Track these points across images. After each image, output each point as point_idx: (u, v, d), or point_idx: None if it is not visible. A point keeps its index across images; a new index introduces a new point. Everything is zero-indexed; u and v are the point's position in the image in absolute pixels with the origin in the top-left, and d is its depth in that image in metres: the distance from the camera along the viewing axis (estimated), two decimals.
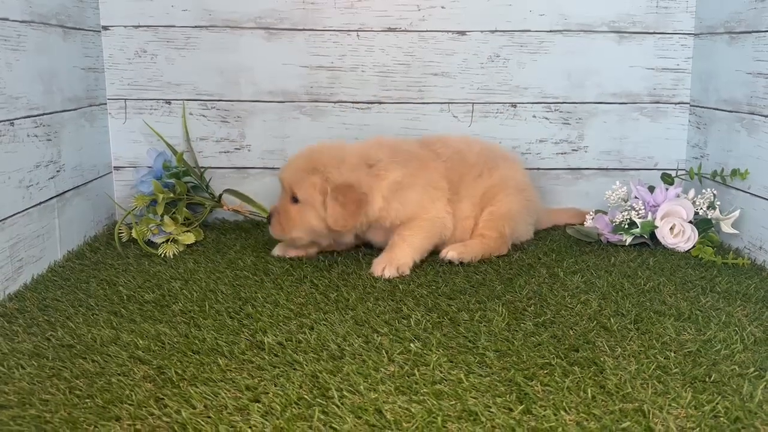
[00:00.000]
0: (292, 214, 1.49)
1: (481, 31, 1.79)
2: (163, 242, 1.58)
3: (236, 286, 1.37)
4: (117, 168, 1.83)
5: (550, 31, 1.80)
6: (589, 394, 0.94)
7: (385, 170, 1.51)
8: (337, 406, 0.91)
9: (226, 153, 1.84)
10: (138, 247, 1.58)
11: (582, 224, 1.73)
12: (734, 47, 1.62)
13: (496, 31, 1.79)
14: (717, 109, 1.70)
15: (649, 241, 1.64)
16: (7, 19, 1.31)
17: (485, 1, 1.78)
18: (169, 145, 1.78)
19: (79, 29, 1.63)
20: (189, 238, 1.61)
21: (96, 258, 1.54)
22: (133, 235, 1.59)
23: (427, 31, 1.79)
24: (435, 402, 0.92)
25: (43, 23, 1.45)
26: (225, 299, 1.30)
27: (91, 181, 1.69)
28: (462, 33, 1.79)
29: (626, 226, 1.64)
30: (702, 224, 1.63)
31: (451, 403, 0.92)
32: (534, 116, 1.84)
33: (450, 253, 1.51)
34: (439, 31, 1.79)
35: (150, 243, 1.59)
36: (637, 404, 0.92)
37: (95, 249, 1.60)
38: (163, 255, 1.55)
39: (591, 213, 1.74)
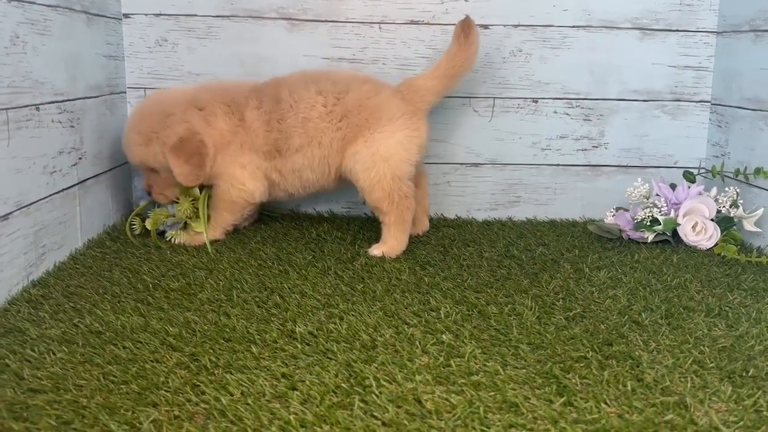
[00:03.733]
0: (161, 181, 1.57)
1: (504, 26, 1.79)
2: (173, 230, 1.58)
3: (261, 276, 1.36)
4: None
5: (573, 27, 1.79)
6: (629, 387, 0.93)
7: (213, 116, 1.53)
8: (376, 395, 0.90)
9: None
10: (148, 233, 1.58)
11: (602, 220, 1.73)
12: (759, 45, 1.62)
13: (519, 25, 1.79)
14: (739, 108, 1.70)
15: (671, 239, 1.64)
16: (34, 3, 1.30)
17: None
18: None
19: (102, 16, 1.62)
20: (200, 226, 1.57)
21: (116, 247, 1.53)
22: (147, 226, 1.57)
23: (449, 24, 1.78)
24: (474, 393, 0.91)
25: (68, 8, 1.44)
26: (251, 289, 1.29)
27: (111, 169, 1.68)
28: (485, 27, 1.78)
29: (648, 224, 1.63)
30: (724, 222, 1.63)
31: (491, 394, 0.91)
32: (555, 112, 1.84)
33: (374, 252, 1.51)
34: None
35: (161, 234, 1.59)
36: (677, 397, 0.91)
37: (115, 238, 1.59)
38: (171, 240, 1.56)
39: (612, 210, 1.74)
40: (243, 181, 1.54)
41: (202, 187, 1.62)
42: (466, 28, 1.57)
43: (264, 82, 1.61)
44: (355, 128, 1.51)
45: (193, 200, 1.59)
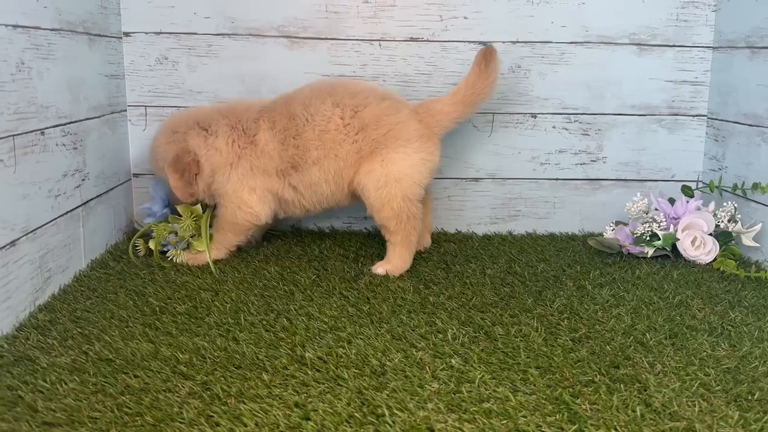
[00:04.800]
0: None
1: (503, 42, 1.80)
2: (175, 249, 1.58)
3: (266, 298, 1.37)
4: (136, 175, 1.82)
5: (572, 43, 1.81)
6: (638, 413, 0.95)
7: (214, 136, 1.56)
8: (389, 425, 0.91)
9: None
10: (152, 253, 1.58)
11: (602, 235, 1.75)
12: (755, 62, 1.64)
13: (518, 41, 1.80)
14: (736, 123, 1.72)
15: (670, 254, 1.66)
16: (39, 28, 1.30)
17: (507, 12, 1.78)
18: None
19: (103, 36, 1.62)
20: (202, 245, 1.58)
21: (120, 267, 1.53)
22: (150, 246, 1.58)
23: (449, 41, 1.80)
24: (486, 421, 0.92)
25: (71, 31, 1.44)
26: (258, 311, 1.30)
27: (113, 188, 1.68)
28: (484, 43, 1.79)
29: (648, 238, 1.65)
30: (722, 237, 1.65)
31: (503, 422, 0.92)
32: (554, 127, 1.85)
33: (377, 270, 1.52)
34: (461, 42, 1.80)
35: (163, 253, 1.60)
36: (686, 423, 0.93)
37: (118, 258, 1.59)
38: (173, 260, 1.57)
39: (611, 224, 1.75)
40: (250, 204, 1.55)
41: (205, 206, 1.62)
42: (487, 56, 1.57)
43: (272, 100, 1.61)
44: (371, 142, 1.51)
45: (195, 217, 1.60)
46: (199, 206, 1.61)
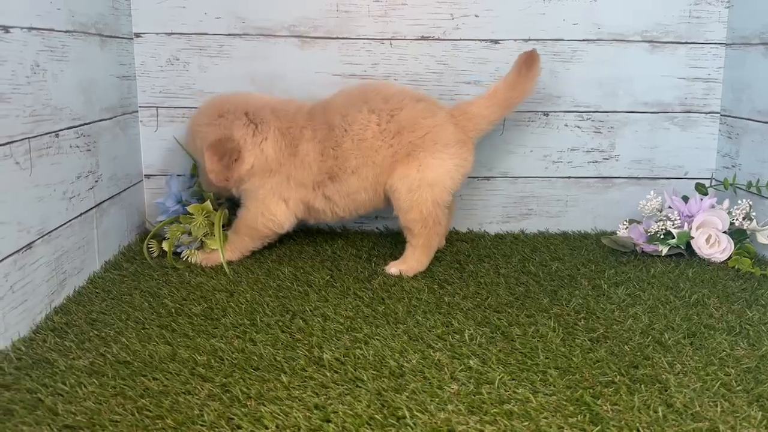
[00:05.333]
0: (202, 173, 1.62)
1: (515, 40, 1.79)
2: (189, 249, 1.58)
3: (281, 298, 1.37)
4: (148, 176, 1.82)
5: (584, 40, 1.80)
6: (660, 413, 0.94)
7: (264, 138, 1.53)
8: (411, 427, 0.91)
9: None
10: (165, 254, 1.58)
11: (615, 233, 1.74)
12: None
13: (530, 39, 1.79)
14: (750, 120, 1.71)
15: (684, 252, 1.65)
16: (53, 30, 1.30)
17: (519, 10, 1.78)
18: (193, 157, 1.76)
19: (115, 37, 1.62)
20: (215, 243, 1.57)
21: (133, 268, 1.53)
22: (164, 247, 1.57)
23: (460, 39, 1.79)
24: (507, 423, 0.92)
25: (83, 32, 1.44)
26: (273, 312, 1.30)
27: (125, 190, 1.68)
28: (495, 42, 1.79)
29: (662, 237, 1.64)
30: (737, 235, 1.64)
31: (524, 423, 0.92)
32: (566, 125, 1.85)
33: (391, 270, 1.52)
34: (472, 40, 1.79)
35: (177, 255, 1.59)
36: (708, 423, 0.92)
37: (131, 259, 1.59)
38: (187, 260, 1.56)
39: (624, 222, 1.75)
40: (275, 213, 1.54)
41: (216, 206, 1.62)
42: (529, 61, 1.57)
43: (313, 105, 1.58)
44: (407, 145, 1.50)
45: (207, 214, 1.59)
46: (209, 203, 1.60)
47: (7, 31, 1.14)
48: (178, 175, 1.74)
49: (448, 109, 1.58)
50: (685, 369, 1.07)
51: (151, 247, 1.60)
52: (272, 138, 1.53)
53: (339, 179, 1.52)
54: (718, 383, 1.02)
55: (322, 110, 1.55)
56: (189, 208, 1.59)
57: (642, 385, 1.02)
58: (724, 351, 1.14)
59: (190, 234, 1.59)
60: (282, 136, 1.53)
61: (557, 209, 1.89)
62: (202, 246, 1.60)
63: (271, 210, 1.54)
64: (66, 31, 1.36)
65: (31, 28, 1.22)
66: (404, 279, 1.48)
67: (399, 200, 1.50)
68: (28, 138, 1.21)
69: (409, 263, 1.52)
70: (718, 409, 0.96)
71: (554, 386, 1.02)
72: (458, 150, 1.52)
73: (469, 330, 1.22)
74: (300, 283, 1.45)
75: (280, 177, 1.53)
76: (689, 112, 1.85)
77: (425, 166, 1.49)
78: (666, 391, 1.01)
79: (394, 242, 1.74)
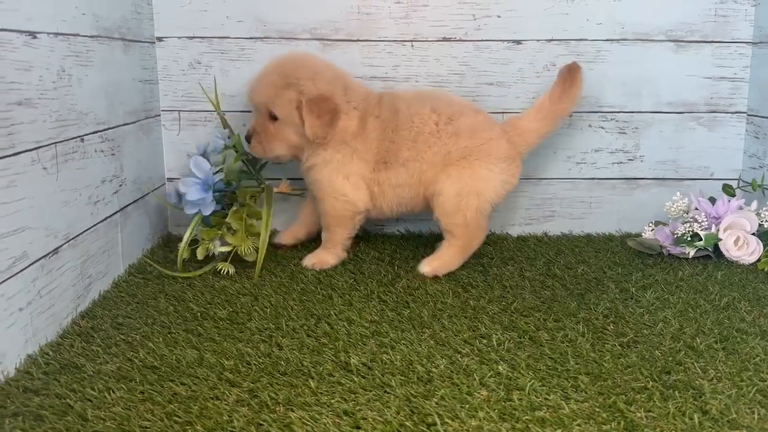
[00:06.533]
0: (272, 132, 1.55)
1: (537, 40, 1.78)
2: (222, 259, 1.53)
3: (305, 302, 1.36)
4: (170, 179, 1.82)
5: (607, 40, 1.78)
6: (696, 420, 0.92)
7: (350, 109, 1.54)
8: None
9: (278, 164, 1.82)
10: (198, 260, 1.55)
11: (641, 235, 1.72)
12: None
13: (553, 40, 1.78)
14: None
15: (711, 254, 1.62)
16: (78, 35, 1.31)
17: (542, 10, 1.76)
18: (224, 120, 1.71)
19: (137, 41, 1.62)
20: (236, 239, 1.51)
21: (157, 272, 1.53)
22: (198, 255, 1.51)
23: (482, 40, 1.77)
24: (540, 430, 0.91)
25: (108, 37, 1.44)
26: (298, 316, 1.29)
27: (148, 193, 1.69)
28: (518, 42, 1.78)
29: (689, 239, 1.62)
30: (766, 237, 1.61)
31: (558, 431, 0.90)
32: (590, 126, 1.83)
33: (424, 269, 1.51)
34: (494, 41, 1.78)
35: (203, 261, 1.54)
36: (746, 431, 0.90)
37: (155, 262, 1.59)
38: (223, 272, 1.50)
39: (650, 224, 1.72)
40: (344, 192, 1.55)
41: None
42: (573, 72, 1.59)
43: (380, 91, 1.64)
44: (462, 150, 1.53)
45: (249, 224, 1.54)
46: (242, 209, 1.55)
47: (35, 37, 1.15)
48: (202, 155, 1.58)
49: (501, 124, 1.61)
50: (719, 374, 1.05)
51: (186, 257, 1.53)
52: (354, 114, 1.55)
53: (390, 167, 1.55)
54: (754, 389, 1.00)
55: (389, 96, 1.60)
56: (229, 220, 1.53)
57: (675, 391, 1.00)
58: (758, 356, 1.12)
59: (225, 243, 1.52)
60: (359, 114, 1.56)
61: (581, 211, 1.87)
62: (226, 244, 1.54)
63: (338, 189, 1.55)
64: (91, 36, 1.36)
65: (57, 34, 1.22)
66: (428, 283, 1.47)
67: (445, 202, 1.52)
68: (55, 143, 1.21)
69: (444, 259, 1.53)
70: (755, 416, 0.94)
71: (586, 392, 1.00)
72: (508, 166, 1.55)
73: (497, 335, 1.20)
74: (323, 287, 1.45)
75: (347, 151, 1.54)
76: (715, 112, 1.83)
77: (477, 175, 1.52)
78: (701, 397, 0.99)
79: (416, 245, 1.73)
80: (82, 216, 1.32)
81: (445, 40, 1.78)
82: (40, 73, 1.16)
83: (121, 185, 1.51)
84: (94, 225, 1.37)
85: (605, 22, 1.77)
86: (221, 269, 1.51)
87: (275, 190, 1.70)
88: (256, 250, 1.52)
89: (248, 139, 1.58)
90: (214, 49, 1.76)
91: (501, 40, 1.78)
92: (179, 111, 1.79)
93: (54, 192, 1.21)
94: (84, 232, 1.33)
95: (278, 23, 1.75)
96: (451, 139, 1.53)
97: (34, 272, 1.14)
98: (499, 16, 1.76)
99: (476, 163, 1.53)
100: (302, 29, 1.76)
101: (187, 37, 1.75)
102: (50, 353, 1.13)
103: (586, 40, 1.78)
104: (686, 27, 1.78)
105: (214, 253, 1.54)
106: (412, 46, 1.78)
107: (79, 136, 1.31)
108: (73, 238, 1.28)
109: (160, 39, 1.75)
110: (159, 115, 1.78)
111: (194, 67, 1.77)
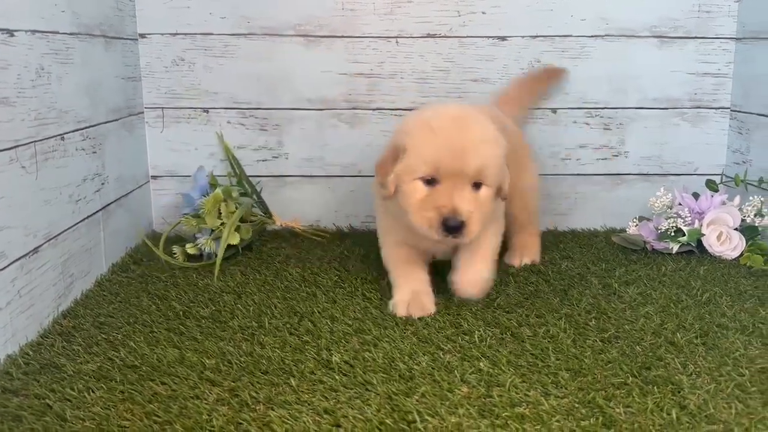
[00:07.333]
0: (482, 205, 1.23)
1: (522, 37, 1.78)
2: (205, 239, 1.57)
3: (289, 300, 1.36)
4: (154, 177, 1.81)
5: (592, 36, 1.78)
6: (674, 416, 0.93)
7: None
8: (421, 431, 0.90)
9: (264, 161, 1.82)
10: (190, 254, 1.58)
11: (625, 231, 1.72)
12: None
13: (537, 36, 1.78)
14: (761, 115, 1.69)
15: (695, 249, 1.63)
16: (57, 32, 1.30)
17: (526, 7, 1.76)
18: (230, 152, 1.78)
19: (119, 38, 1.61)
20: (235, 238, 1.56)
21: (141, 270, 1.53)
22: (188, 251, 1.57)
23: (467, 36, 1.77)
24: (519, 426, 0.91)
25: (88, 34, 1.43)
26: (281, 314, 1.29)
27: (131, 191, 1.68)
28: (502, 38, 1.78)
29: (672, 234, 1.63)
30: (748, 232, 1.62)
31: (536, 427, 0.91)
32: (574, 122, 1.83)
33: (524, 260, 1.58)
34: (479, 37, 1.77)
35: (191, 258, 1.58)
36: (723, 426, 0.91)
37: (138, 261, 1.59)
38: (202, 248, 1.56)
39: (634, 220, 1.73)
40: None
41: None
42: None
43: None
44: (521, 156, 1.56)
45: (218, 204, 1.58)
46: (219, 193, 1.60)
47: (12, 35, 1.14)
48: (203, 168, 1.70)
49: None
50: (698, 370, 1.06)
51: (176, 254, 1.58)
52: None
53: None
54: (733, 384, 1.01)
55: None
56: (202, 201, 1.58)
57: (655, 387, 1.01)
58: (737, 351, 1.12)
59: (210, 231, 1.57)
60: None
61: (566, 207, 1.88)
62: (211, 233, 1.57)
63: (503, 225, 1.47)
64: (70, 34, 1.35)
65: (35, 31, 1.21)
66: None
67: (525, 197, 1.58)
68: (34, 142, 1.20)
69: (532, 250, 1.61)
70: (733, 411, 0.94)
71: (566, 388, 1.01)
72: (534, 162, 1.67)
73: (479, 331, 1.20)
74: (308, 285, 1.44)
75: None
76: (699, 107, 1.83)
77: (532, 176, 1.63)
78: (679, 392, 0.99)
79: None
80: (63, 215, 1.31)
81: (429, 36, 1.78)
82: (18, 72, 1.15)
83: (103, 183, 1.50)
84: (76, 224, 1.37)
85: (589, 19, 1.77)
86: (203, 246, 1.56)
87: (283, 224, 1.77)
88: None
89: (446, 223, 1.21)
90: (198, 46, 1.75)
91: (486, 37, 1.77)
92: (163, 108, 1.78)
93: (33, 191, 1.20)
94: (65, 230, 1.32)
95: (262, 19, 1.75)
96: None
97: (14, 272, 1.13)
98: (483, 13, 1.76)
99: (531, 165, 1.64)
100: (286, 26, 1.75)
101: (170, 34, 1.74)
102: (30, 353, 1.13)
103: (570, 36, 1.78)
104: (670, 23, 1.78)
105: (205, 250, 1.58)
106: (397, 42, 1.78)
107: (59, 135, 1.30)
108: (53, 237, 1.27)
109: (142, 36, 1.74)
110: (142, 113, 1.77)
111: (177, 64, 1.76)
